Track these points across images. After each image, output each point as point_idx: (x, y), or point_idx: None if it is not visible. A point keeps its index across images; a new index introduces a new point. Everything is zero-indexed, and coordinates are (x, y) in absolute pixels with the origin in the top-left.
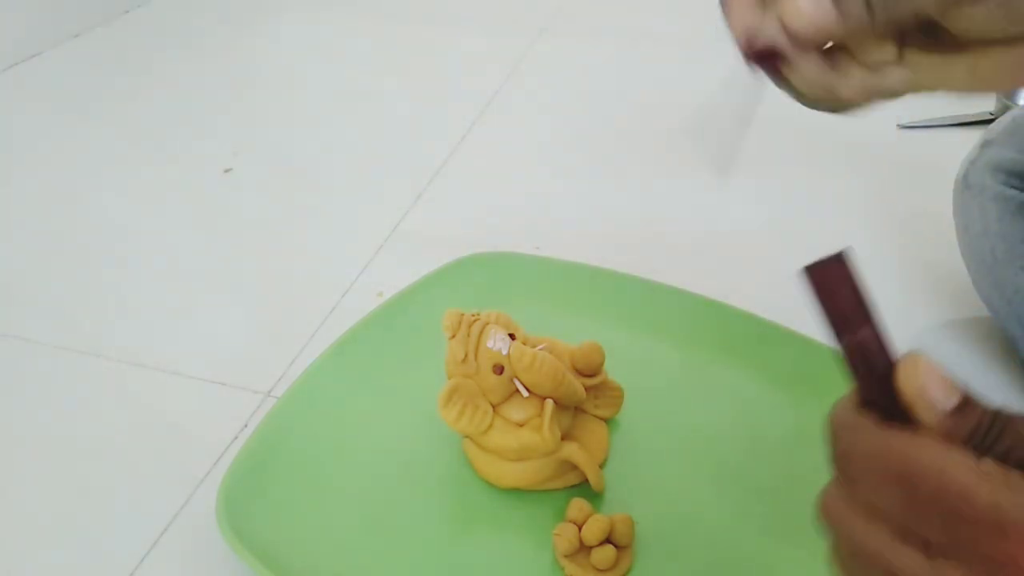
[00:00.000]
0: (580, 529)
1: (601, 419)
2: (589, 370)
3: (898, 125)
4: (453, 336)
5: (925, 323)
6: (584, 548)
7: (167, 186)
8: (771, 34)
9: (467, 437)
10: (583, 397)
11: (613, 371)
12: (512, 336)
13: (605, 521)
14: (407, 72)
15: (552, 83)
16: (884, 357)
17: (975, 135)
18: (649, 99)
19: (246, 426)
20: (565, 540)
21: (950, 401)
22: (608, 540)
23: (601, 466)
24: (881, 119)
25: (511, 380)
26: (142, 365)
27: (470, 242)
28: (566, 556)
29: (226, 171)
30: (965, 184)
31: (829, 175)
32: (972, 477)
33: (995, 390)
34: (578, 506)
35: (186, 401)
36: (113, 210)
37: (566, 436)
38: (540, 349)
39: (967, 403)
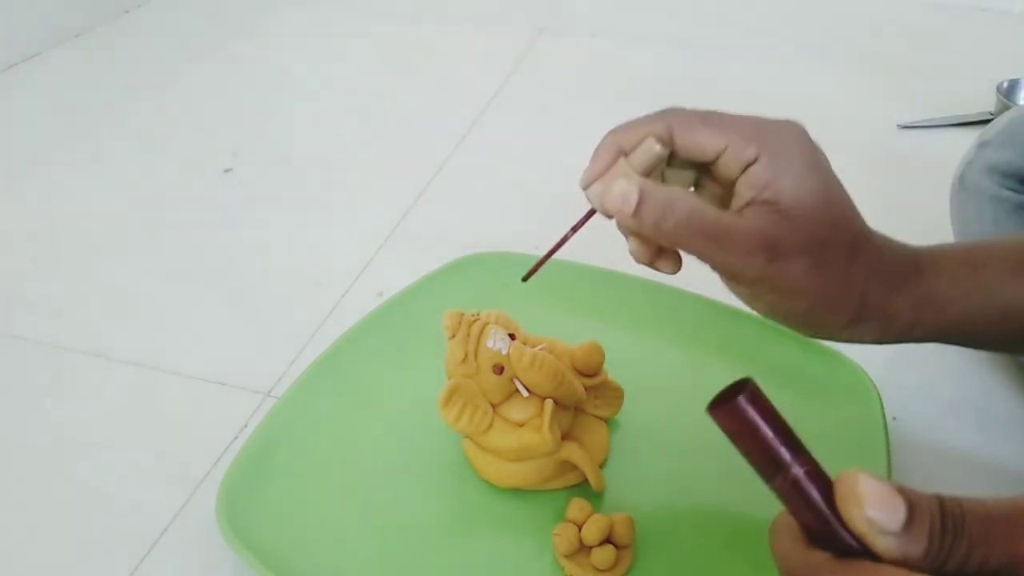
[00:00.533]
0: (580, 529)
1: (601, 419)
2: (589, 370)
3: (898, 124)
4: (453, 336)
5: None
6: (584, 548)
7: (167, 186)
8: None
9: (467, 437)
10: (583, 397)
11: (613, 371)
12: (512, 336)
13: (605, 521)
14: (407, 72)
15: (552, 83)
16: (820, 486)
17: (974, 134)
18: (648, 98)
19: (246, 426)
20: (565, 540)
21: (898, 516)
22: (608, 540)
23: (601, 466)
24: (881, 119)
25: (511, 380)
26: (142, 365)
27: (470, 242)
28: (566, 556)
29: (226, 171)
30: (962, 185)
31: None
32: None
33: (994, 393)
34: (578, 506)
35: (186, 401)
36: (113, 210)
37: (566, 436)
38: (540, 349)
39: (915, 511)
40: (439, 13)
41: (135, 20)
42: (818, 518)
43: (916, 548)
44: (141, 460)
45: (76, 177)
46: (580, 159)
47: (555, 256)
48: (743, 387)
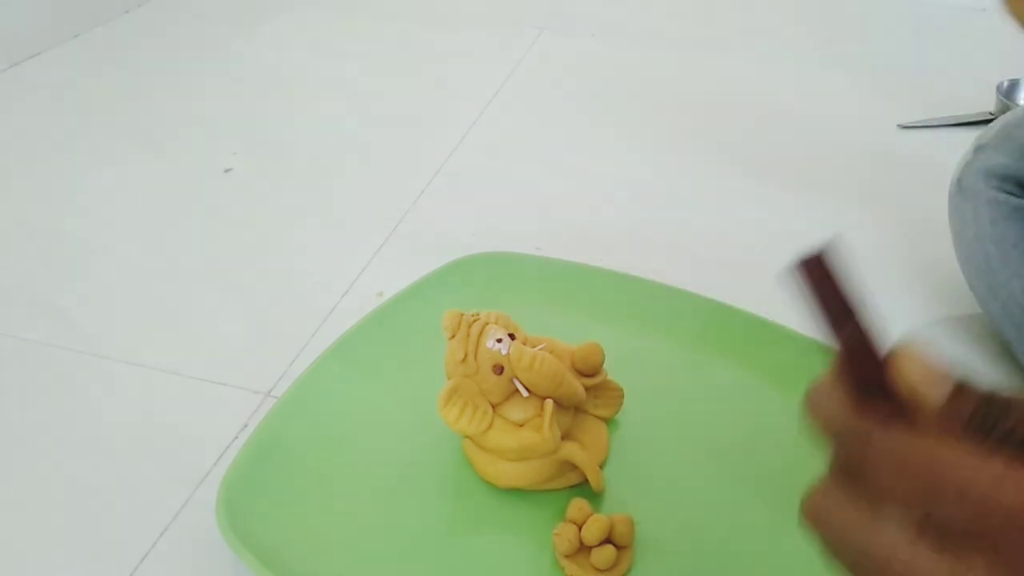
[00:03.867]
0: (580, 529)
1: (601, 419)
2: (589, 370)
3: (898, 125)
4: (453, 336)
5: (924, 321)
6: (584, 548)
7: (167, 186)
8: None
9: (467, 437)
10: (583, 397)
11: (613, 371)
12: (512, 336)
13: (605, 521)
14: (407, 72)
15: (552, 83)
16: (876, 348)
17: (974, 134)
18: (649, 98)
19: (246, 426)
20: (565, 540)
21: (946, 385)
22: (608, 540)
23: (601, 466)
24: (881, 119)
25: (511, 380)
26: (142, 365)
27: (470, 242)
28: (566, 556)
29: (226, 171)
30: (959, 188)
31: (829, 174)
32: (996, 481)
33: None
34: (578, 506)
35: (186, 401)
36: (113, 210)
37: (566, 436)
38: (540, 349)
39: (963, 387)
40: (439, 13)
41: (135, 20)
42: (870, 373)
43: (965, 406)
44: (141, 460)
45: (76, 177)
46: (580, 159)
47: (555, 255)
48: (819, 250)
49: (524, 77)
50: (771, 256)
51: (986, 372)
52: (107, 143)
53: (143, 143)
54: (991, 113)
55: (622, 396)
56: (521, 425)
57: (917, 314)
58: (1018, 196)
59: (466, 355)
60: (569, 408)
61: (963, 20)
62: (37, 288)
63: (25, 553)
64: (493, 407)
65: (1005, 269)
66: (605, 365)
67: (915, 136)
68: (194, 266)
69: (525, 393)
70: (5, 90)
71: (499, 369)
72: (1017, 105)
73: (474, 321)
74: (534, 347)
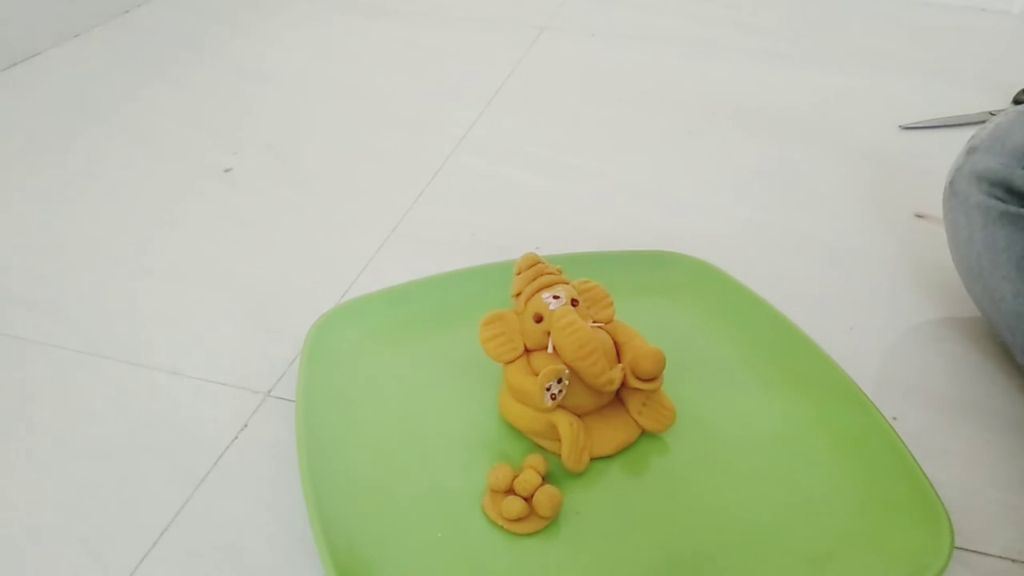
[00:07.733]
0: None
1: (642, 428)
2: (642, 374)
3: (899, 125)
4: (519, 273)
5: (925, 322)
6: (511, 493)
7: (167, 186)
8: None
9: (494, 360)
10: (607, 386)
11: (676, 391)
12: (575, 302)
13: (535, 480)
14: (407, 72)
15: (552, 82)
16: None
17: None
18: (649, 98)
19: (246, 426)
20: (494, 476)
21: None
22: (529, 500)
23: (594, 459)
24: (881, 119)
25: (545, 333)
26: (142, 365)
27: (470, 242)
28: (493, 491)
29: (226, 171)
30: (951, 191)
31: (829, 175)
32: None
33: (994, 393)
34: (535, 459)
35: (186, 401)
36: (112, 210)
37: (582, 414)
38: (598, 326)
39: None
40: (439, 13)
41: (135, 20)
42: None
43: None
44: (141, 460)
45: (76, 177)
46: (580, 159)
47: (555, 255)
48: None
49: (524, 77)
50: (772, 256)
51: (986, 375)
52: (107, 143)
53: (143, 143)
54: (991, 113)
55: (672, 416)
56: (536, 375)
57: (916, 315)
58: (1006, 201)
59: (520, 293)
60: (597, 392)
61: (963, 20)
62: (36, 288)
63: (25, 553)
64: (526, 349)
65: (995, 272)
66: (676, 386)
67: (915, 136)
68: (194, 266)
69: (550, 349)
70: (5, 90)
71: (538, 318)
72: (1004, 110)
73: (548, 274)
74: (605, 324)
